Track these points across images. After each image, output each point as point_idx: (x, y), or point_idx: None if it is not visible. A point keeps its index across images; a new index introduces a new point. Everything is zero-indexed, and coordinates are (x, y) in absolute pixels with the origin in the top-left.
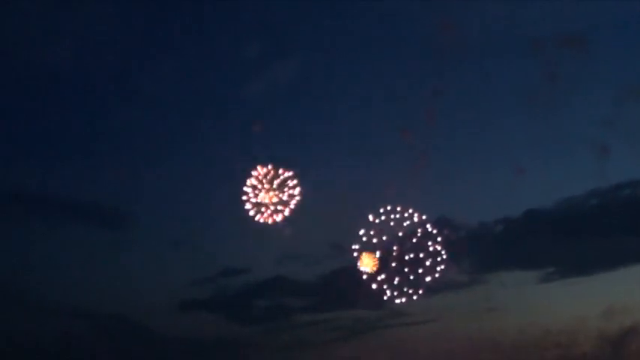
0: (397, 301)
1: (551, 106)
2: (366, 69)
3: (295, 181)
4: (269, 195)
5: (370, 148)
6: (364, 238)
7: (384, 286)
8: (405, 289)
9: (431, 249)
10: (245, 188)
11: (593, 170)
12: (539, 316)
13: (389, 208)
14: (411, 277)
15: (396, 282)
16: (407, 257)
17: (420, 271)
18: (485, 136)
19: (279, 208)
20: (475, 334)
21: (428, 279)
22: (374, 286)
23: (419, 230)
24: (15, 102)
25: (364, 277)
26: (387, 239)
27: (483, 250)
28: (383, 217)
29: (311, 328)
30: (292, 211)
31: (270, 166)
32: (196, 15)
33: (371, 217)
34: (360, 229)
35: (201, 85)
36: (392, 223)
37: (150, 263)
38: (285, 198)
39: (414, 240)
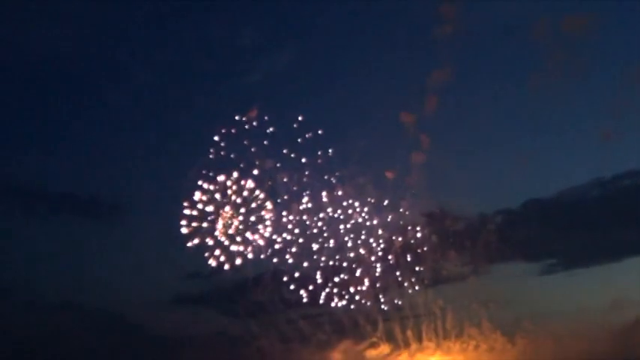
0: (396, 294)
1: (553, 94)
2: (363, 57)
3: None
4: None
5: (367, 138)
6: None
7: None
8: (406, 282)
9: (431, 241)
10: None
11: (595, 160)
12: (542, 308)
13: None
14: (412, 270)
15: (396, 275)
16: (407, 250)
17: (421, 263)
18: (485, 126)
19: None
20: (476, 327)
21: (428, 271)
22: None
23: (418, 223)
24: (5, 95)
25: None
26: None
27: (483, 241)
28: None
29: (308, 321)
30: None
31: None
32: (192, 4)
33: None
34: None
35: (196, 76)
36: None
37: (143, 257)
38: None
39: (414, 232)
